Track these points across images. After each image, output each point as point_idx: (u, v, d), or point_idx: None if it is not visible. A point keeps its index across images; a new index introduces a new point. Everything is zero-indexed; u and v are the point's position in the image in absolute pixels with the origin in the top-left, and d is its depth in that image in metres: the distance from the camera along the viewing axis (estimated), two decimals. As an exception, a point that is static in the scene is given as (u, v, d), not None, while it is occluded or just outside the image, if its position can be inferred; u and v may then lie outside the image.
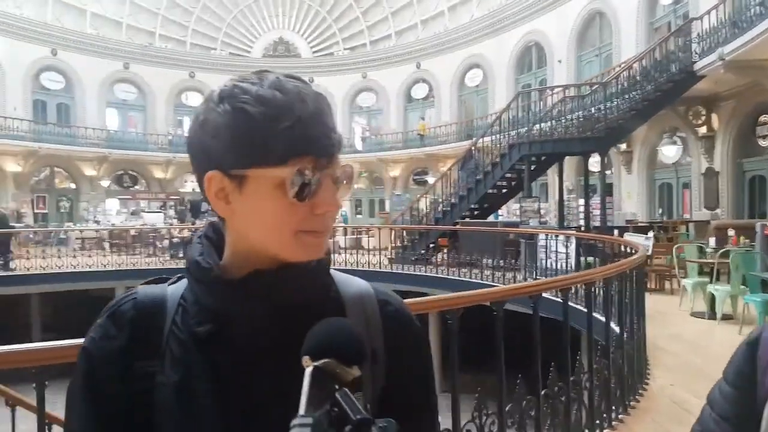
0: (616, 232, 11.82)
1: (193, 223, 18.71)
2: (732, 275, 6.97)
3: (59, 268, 13.40)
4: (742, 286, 6.98)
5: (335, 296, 0.76)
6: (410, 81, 27.10)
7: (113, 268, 13.80)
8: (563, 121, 12.73)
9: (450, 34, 24.98)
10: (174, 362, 0.69)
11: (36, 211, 23.51)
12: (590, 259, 9.24)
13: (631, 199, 16.71)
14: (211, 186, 0.68)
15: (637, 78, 12.02)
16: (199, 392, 0.67)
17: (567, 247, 9.37)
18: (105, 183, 25.21)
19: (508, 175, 12.96)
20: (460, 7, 25.65)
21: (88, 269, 13.62)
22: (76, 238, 18.18)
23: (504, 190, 13.87)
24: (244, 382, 0.68)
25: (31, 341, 1.91)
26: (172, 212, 23.61)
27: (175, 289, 0.75)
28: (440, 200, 14.26)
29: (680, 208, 15.60)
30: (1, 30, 22.02)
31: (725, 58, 10.45)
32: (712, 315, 7.24)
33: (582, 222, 13.27)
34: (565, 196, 14.14)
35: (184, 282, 0.76)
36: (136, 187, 26.82)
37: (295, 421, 0.51)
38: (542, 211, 14.35)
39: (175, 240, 16.27)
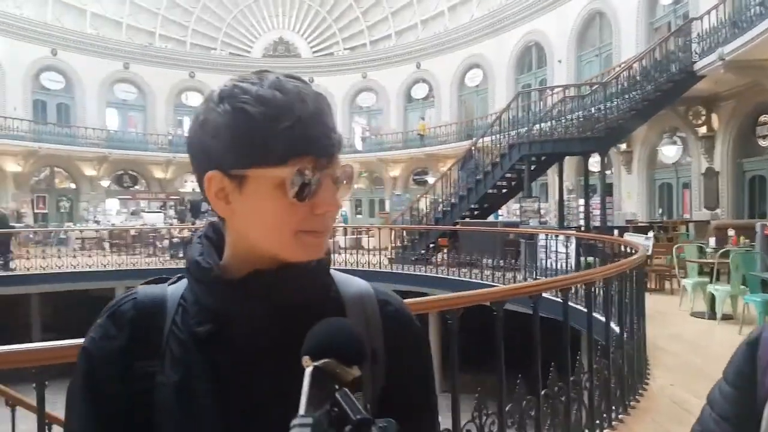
0: (616, 232, 11.83)
1: (193, 223, 18.71)
2: (732, 275, 6.97)
3: (59, 268, 13.40)
4: (742, 286, 6.98)
5: (335, 296, 0.76)
6: (410, 81, 27.11)
7: (113, 268, 13.80)
8: (563, 121, 12.73)
9: (450, 34, 24.99)
10: (174, 362, 0.69)
11: (36, 211, 23.51)
12: (590, 259, 9.24)
13: (631, 199, 16.72)
14: (211, 186, 0.68)
15: (637, 78, 12.03)
16: (199, 392, 0.67)
17: (567, 247, 9.37)
18: (105, 183, 25.22)
19: (508, 175, 12.97)
20: (460, 7, 25.65)
21: (88, 269, 13.63)
22: (76, 238, 18.18)
23: (504, 190, 13.88)
24: (243, 382, 0.68)
25: (31, 341, 1.91)
26: (172, 212, 23.62)
27: (175, 289, 0.75)
28: (440, 200, 14.26)
29: (680, 208, 15.60)
30: (1, 30, 22.03)
31: (725, 58, 10.45)
32: (712, 315, 7.24)
33: (582, 222, 13.27)
34: (565, 196, 14.15)
35: (184, 282, 0.76)
36: (136, 187, 26.83)
37: (295, 421, 0.51)
38: (542, 211, 14.36)
39: (175, 240, 16.27)
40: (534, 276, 9.63)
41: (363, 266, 12.90)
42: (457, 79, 25.29)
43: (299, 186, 0.65)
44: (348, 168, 0.71)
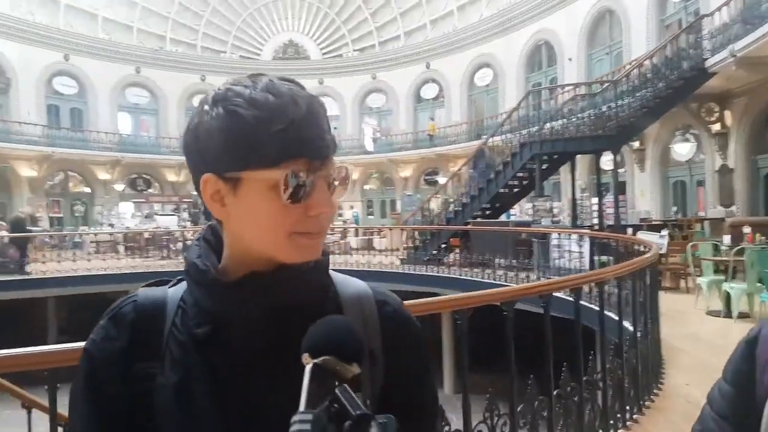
0: (629, 230, 11.74)
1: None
2: (747, 273, 6.91)
3: (74, 271, 13.53)
4: (758, 284, 6.91)
5: (333, 297, 0.76)
6: (420, 81, 27.09)
7: (128, 271, 13.90)
8: (574, 119, 12.66)
9: (459, 34, 24.95)
10: (174, 364, 0.70)
11: (51, 215, 23.76)
12: (604, 258, 9.18)
13: (644, 197, 16.60)
14: (206, 189, 0.69)
15: (648, 76, 11.94)
16: (197, 394, 0.68)
17: (580, 246, 9.32)
18: (119, 186, 25.40)
19: (520, 174, 12.91)
20: (469, 7, 25.62)
21: (102, 272, 13.73)
22: (91, 242, 18.33)
23: (516, 190, 13.83)
24: (241, 384, 0.68)
25: (46, 344, 1.93)
26: (185, 215, 23.74)
27: (175, 292, 0.76)
28: (451, 200, 14.23)
29: (695, 205, 15.47)
30: (14, 36, 22.26)
31: (737, 55, 10.37)
32: (727, 313, 7.16)
33: (596, 221, 13.19)
34: (578, 195, 14.06)
35: (184, 284, 0.76)
36: (150, 190, 27.01)
37: (295, 417, 0.51)
38: (555, 210, 14.28)
39: (188, 242, 16.35)
40: (547, 276, 9.58)
41: (375, 267, 12.92)
42: (467, 79, 25.23)
43: (293, 188, 0.65)
44: (343, 169, 0.71)
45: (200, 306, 0.72)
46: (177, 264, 14.73)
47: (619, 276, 4.08)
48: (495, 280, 10.31)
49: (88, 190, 25.35)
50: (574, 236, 9.56)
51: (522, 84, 22.21)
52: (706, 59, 11.41)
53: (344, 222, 24.27)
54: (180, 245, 16.52)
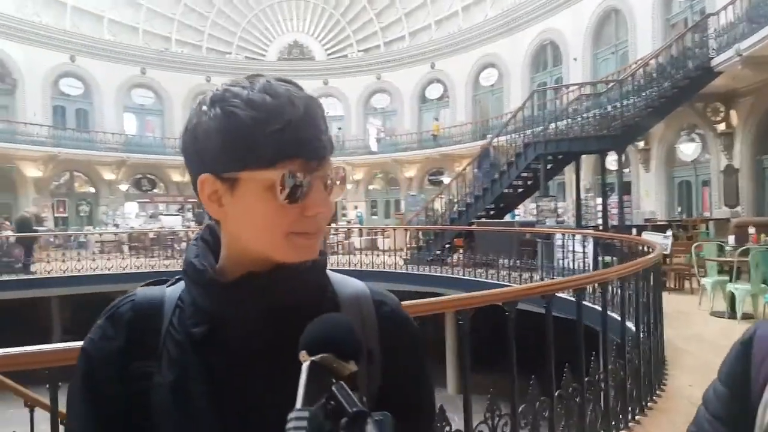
0: (634, 231, 11.70)
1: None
2: (752, 274, 6.87)
3: (79, 271, 13.58)
4: (763, 285, 6.88)
5: (331, 297, 0.76)
6: (424, 81, 27.07)
7: (132, 271, 13.93)
8: (579, 119, 12.63)
9: (464, 34, 24.92)
10: (170, 363, 0.70)
11: (56, 215, 23.87)
12: (608, 258, 9.14)
13: (649, 197, 16.54)
14: (204, 189, 0.69)
15: (654, 75, 11.90)
16: (194, 394, 0.68)
17: (584, 246, 9.29)
18: (124, 187, 25.50)
19: (524, 174, 12.89)
20: (473, 7, 25.59)
21: (107, 272, 13.77)
22: (96, 242, 18.42)
23: (520, 190, 13.80)
24: (238, 384, 0.68)
25: (50, 344, 1.94)
26: (190, 215, 23.82)
27: (173, 291, 0.76)
28: (455, 200, 14.21)
29: (700, 206, 15.42)
30: (20, 37, 22.37)
31: (742, 54, 10.32)
32: (732, 314, 7.13)
33: (600, 221, 13.16)
34: (583, 195, 14.03)
35: (182, 284, 0.76)
36: (155, 190, 27.09)
37: (291, 415, 0.52)
38: (560, 211, 14.24)
39: (192, 243, 16.37)
40: (551, 276, 9.56)
41: (378, 267, 12.91)
42: (472, 79, 25.20)
43: (290, 188, 0.65)
44: (340, 170, 0.72)
45: (197, 305, 0.72)
46: (181, 264, 14.67)
47: (622, 276, 4.06)
48: (499, 281, 10.29)
49: (93, 190, 25.46)
50: (578, 237, 9.52)
51: (527, 84, 22.16)
52: (712, 58, 11.37)
53: (348, 222, 24.29)
54: (184, 245, 16.54)
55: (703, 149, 14.82)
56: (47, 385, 1.81)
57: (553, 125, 12.78)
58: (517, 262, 10.46)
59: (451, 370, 12.12)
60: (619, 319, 4.15)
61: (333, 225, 23.15)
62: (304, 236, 0.68)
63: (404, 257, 13.55)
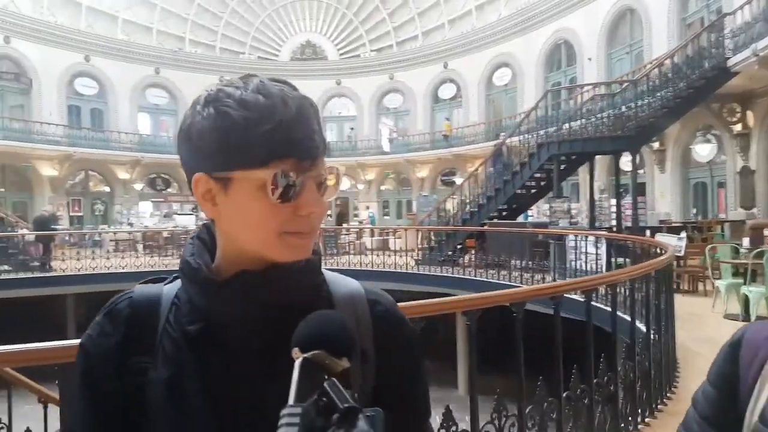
0: (648, 232, 11.61)
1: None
2: (767, 276, 6.79)
3: (93, 269, 13.73)
4: (778, 287, 6.80)
5: (326, 296, 0.77)
6: (437, 81, 27.01)
7: (146, 269, 14.03)
8: (593, 119, 12.55)
9: (477, 34, 24.83)
10: (166, 360, 0.71)
11: (71, 214, 24.11)
12: (620, 260, 9.08)
13: (664, 198, 16.40)
14: (198, 188, 0.70)
15: (669, 75, 11.79)
16: (189, 391, 0.69)
17: (597, 248, 9.23)
18: (138, 186, 25.71)
19: (537, 175, 12.82)
20: (487, 6, 25.51)
21: (121, 270, 13.89)
22: (110, 240, 18.56)
23: (533, 191, 13.73)
24: (233, 382, 0.69)
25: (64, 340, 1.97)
26: (203, 214, 23.87)
27: (170, 289, 0.77)
28: (467, 201, 14.18)
29: (715, 207, 15.27)
30: (36, 37, 22.59)
31: (759, 54, 10.20)
32: (746, 317, 7.05)
33: (614, 222, 13.07)
34: (597, 196, 13.94)
35: (179, 282, 0.77)
36: (169, 189, 27.28)
37: (284, 411, 0.52)
38: (573, 212, 14.17)
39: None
40: (564, 277, 9.51)
41: (390, 267, 12.92)
42: (485, 79, 25.11)
43: (283, 188, 0.66)
44: (333, 169, 0.72)
45: (193, 303, 0.72)
46: (195, 262, 14.84)
47: (632, 278, 4.04)
48: (511, 282, 10.26)
49: (108, 189, 25.68)
50: (591, 238, 9.47)
51: (541, 84, 22.04)
52: (728, 58, 11.24)
53: (360, 222, 24.32)
54: (197, 244, 16.61)
55: (719, 150, 14.68)
56: (56, 381, 1.83)
57: (566, 125, 12.71)
58: (529, 263, 10.41)
59: (462, 370, 12.10)
60: (630, 320, 4.13)
61: (345, 225, 23.24)
62: (298, 236, 0.69)
63: (416, 258, 13.54)
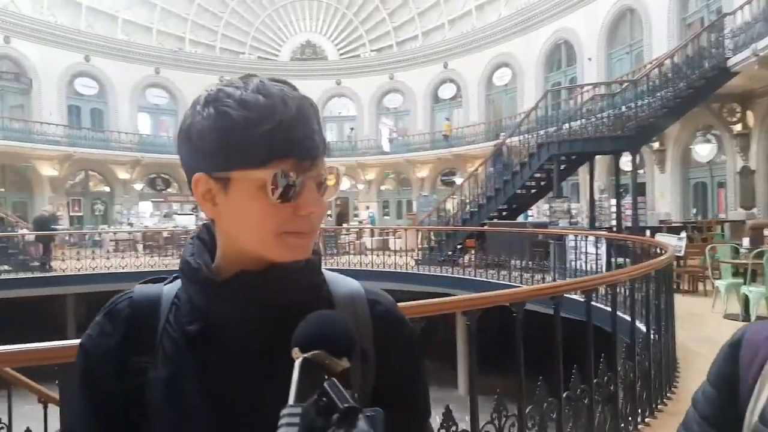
0: (648, 232, 11.62)
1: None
2: (767, 276, 6.79)
3: (93, 269, 13.73)
4: (778, 287, 6.80)
5: (326, 296, 0.77)
6: (437, 81, 27.02)
7: (146, 269, 14.04)
8: (593, 119, 12.55)
9: (477, 34, 24.83)
10: (165, 360, 0.71)
11: (71, 213, 24.12)
12: (620, 260, 9.09)
13: (664, 198, 16.41)
14: (197, 188, 0.70)
15: (669, 75, 11.80)
16: (189, 391, 0.69)
17: (597, 248, 9.24)
18: (138, 186, 25.72)
19: (537, 175, 12.83)
20: (487, 6, 25.52)
21: (121, 270, 13.90)
22: (110, 240, 18.57)
23: (533, 191, 13.74)
24: (232, 382, 0.69)
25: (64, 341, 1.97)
26: (203, 214, 23.90)
27: (170, 289, 0.77)
28: (467, 201, 14.18)
29: (715, 207, 15.27)
30: (36, 37, 22.59)
31: (759, 54, 10.20)
32: (746, 317, 7.05)
33: (614, 222, 13.07)
34: (597, 196, 13.94)
35: (179, 282, 0.77)
36: (169, 189, 27.28)
37: (284, 411, 0.52)
38: (573, 212, 14.18)
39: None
40: (564, 277, 9.52)
41: (389, 267, 12.92)
42: (485, 79, 25.11)
43: (283, 188, 0.66)
44: (334, 170, 0.72)
45: (193, 303, 0.72)
46: (194, 263, 14.83)
47: (632, 278, 4.04)
48: (511, 282, 10.26)
49: (108, 189, 25.69)
50: (591, 238, 9.47)
51: (541, 84, 22.05)
52: (728, 58, 11.24)
53: (360, 222, 24.32)
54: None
55: (719, 150, 14.68)
56: (56, 381, 1.83)
57: (566, 125, 12.71)
58: (529, 263, 10.41)
59: (462, 371, 12.10)
60: (630, 320, 4.13)
61: (345, 225, 23.24)
62: (297, 236, 0.69)
63: (416, 258, 13.54)
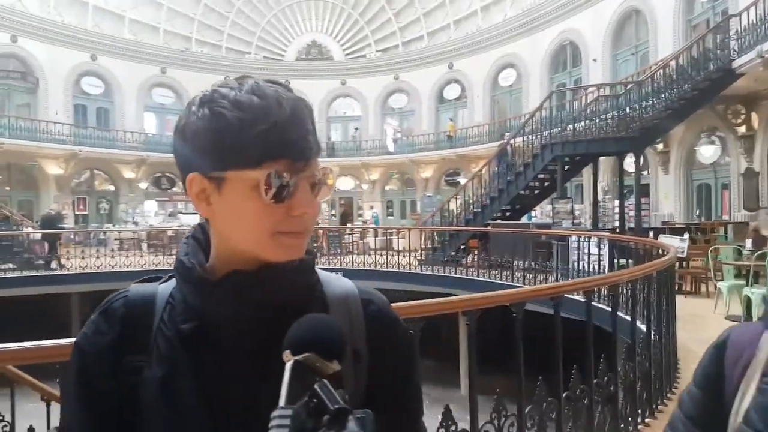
0: (651, 233, 11.60)
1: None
2: (769, 278, 6.79)
3: (98, 268, 13.76)
4: (780, 289, 6.78)
5: (320, 296, 0.77)
6: (442, 82, 27.01)
7: (150, 268, 14.06)
8: (597, 120, 12.53)
9: (483, 34, 24.83)
10: (160, 359, 0.71)
11: (77, 212, 24.21)
12: (622, 261, 9.08)
13: (668, 200, 16.38)
14: (192, 187, 0.71)
15: (674, 76, 11.77)
16: (183, 391, 0.69)
17: (600, 249, 9.23)
18: (143, 185, 25.79)
19: (541, 176, 12.82)
20: (493, 7, 25.51)
21: (126, 269, 13.91)
22: (115, 239, 18.63)
23: (537, 191, 13.73)
24: (227, 382, 0.69)
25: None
26: (206, 214, 24.00)
27: (165, 288, 0.77)
28: (471, 201, 14.18)
29: (719, 209, 15.23)
30: (43, 36, 22.70)
31: (765, 56, 10.17)
32: (748, 318, 7.03)
33: (618, 223, 13.05)
34: (601, 197, 13.91)
35: (174, 281, 0.77)
36: (174, 189, 27.31)
37: (275, 413, 0.53)
38: (576, 212, 14.18)
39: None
40: (566, 278, 9.51)
41: (393, 267, 12.92)
42: (490, 79, 25.10)
43: (277, 188, 0.66)
44: (327, 170, 0.72)
45: (187, 303, 0.73)
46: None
47: (633, 279, 4.04)
48: (514, 282, 10.26)
49: (113, 188, 25.77)
50: (594, 239, 9.47)
51: (546, 84, 22.02)
52: (733, 60, 11.20)
53: (364, 222, 24.33)
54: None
55: (723, 152, 14.64)
56: (57, 380, 1.85)
57: (571, 126, 12.69)
58: (532, 264, 10.41)
59: (465, 370, 12.10)
60: (630, 321, 4.13)
61: (349, 225, 23.25)
62: (291, 236, 0.69)
63: (419, 258, 13.54)
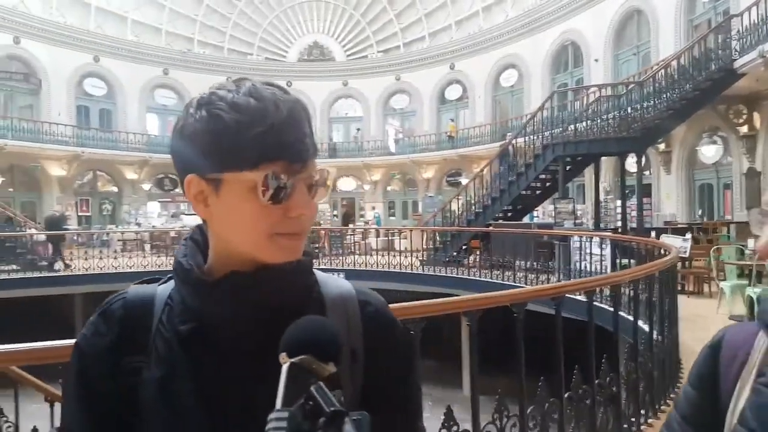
0: (653, 233, 11.59)
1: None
2: (772, 278, 6.78)
3: (101, 269, 13.80)
4: (783, 289, 6.78)
5: (318, 297, 0.77)
6: (444, 82, 27.00)
7: (153, 269, 14.08)
8: (599, 121, 12.53)
9: (484, 35, 24.81)
10: (159, 360, 0.72)
11: (80, 213, 24.25)
12: (625, 261, 9.08)
13: (670, 200, 16.36)
14: (190, 189, 0.72)
15: (675, 77, 11.77)
16: (182, 392, 0.69)
17: (602, 249, 9.23)
18: (146, 186, 25.83)
19: (543, 176, 12.82)
20: (494, 7, 25.49)
21: (129, 270, 13.95)
22: (118, 240, 18.67)
23: (538, 192, 13.73)
24: (225, 383, 0.70)
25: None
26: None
27: (164, 289, 0.78)
28: (473, 202, 14.18)
29: (721, 209, 15.21)
30: (45, 38, 22.72)
31: (766, 56, 10.16)
32: (751, 318, 7.02)
33: (619, 223, 13.04)
34: (603, 197, 13.91)
35: (172, 282, 0.78)
36: (176, 190, 27.30)
37: (271, 416, 0.54)
38: (578, 213, 14.17)
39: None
40: (568, 278, 9.51)
41: (395, 268, 12.93)
42: (492, 80, 25.08)
43: (274, 189, 0.67)
44: (324, 172, 0.73)
45: (186, 304, 0.73)
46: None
47: (635, 279, 4.04)
48: (515, 283, 10.25)
49: (116, 189, 25.80)
50: (596, 239, 9.47)
51: (547, 85, 22.00)
52: (735, 60, 11.19)
53: (366, 223, 24.34)
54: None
55: (725, 152, 14.62)
56: (60, 380, 1.85)
57: (572, 127, 12.69)
58: (534, 264, 10.40)
59: (467, 371, 12.10)
60: (633, 321, 4.13)
61: (351, 225, 23.26)
62: (288, 237, 0.70)
63: (421, 258, 13.55)
